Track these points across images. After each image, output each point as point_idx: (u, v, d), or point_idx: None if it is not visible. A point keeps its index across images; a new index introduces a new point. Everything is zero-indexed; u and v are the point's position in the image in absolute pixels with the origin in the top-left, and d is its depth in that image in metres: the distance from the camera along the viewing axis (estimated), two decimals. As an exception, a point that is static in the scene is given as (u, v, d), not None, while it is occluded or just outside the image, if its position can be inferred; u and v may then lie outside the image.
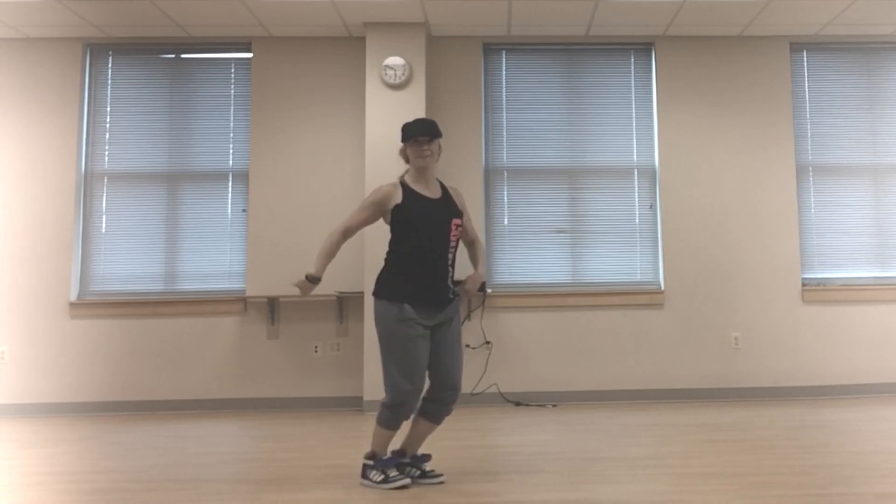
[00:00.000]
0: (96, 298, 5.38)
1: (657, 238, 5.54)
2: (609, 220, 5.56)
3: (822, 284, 5.52)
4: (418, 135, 3.01)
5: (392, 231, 3.11)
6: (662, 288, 5.46)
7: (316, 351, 5.36)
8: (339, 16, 5.19)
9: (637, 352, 5.42)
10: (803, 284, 5.50)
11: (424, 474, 3.08)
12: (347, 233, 3.12)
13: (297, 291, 2.85)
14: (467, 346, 5.32)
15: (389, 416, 2.98)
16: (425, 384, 2.99)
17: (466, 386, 5.30)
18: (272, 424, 4.64)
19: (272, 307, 5.36)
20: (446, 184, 3.20)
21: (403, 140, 3.06)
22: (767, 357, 5.42)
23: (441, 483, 3.03)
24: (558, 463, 3.38)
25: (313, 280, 3.06)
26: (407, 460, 3.09)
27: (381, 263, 5.06)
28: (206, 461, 3.56)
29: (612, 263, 5.53)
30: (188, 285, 5.45)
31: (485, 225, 5.48)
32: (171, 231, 5.49)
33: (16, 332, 5.29)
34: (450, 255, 3.05)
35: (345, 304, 5.39)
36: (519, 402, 5.31)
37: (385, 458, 3.04)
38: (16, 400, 5.24)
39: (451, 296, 3.05)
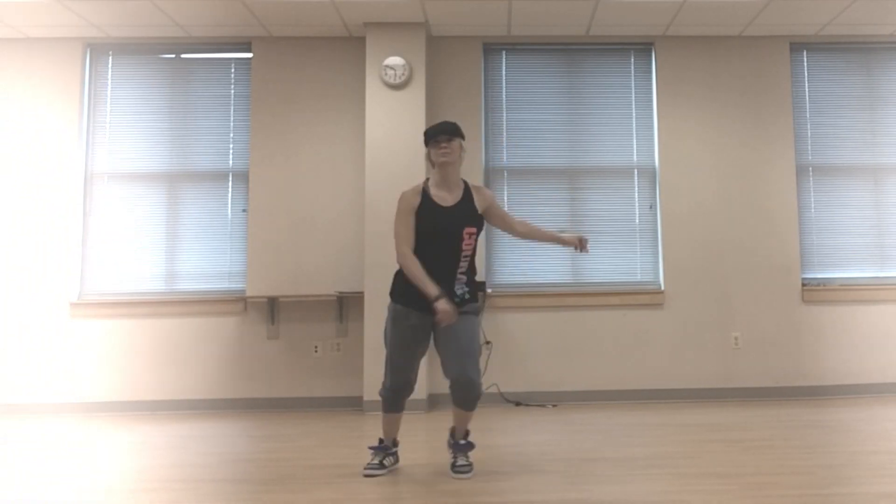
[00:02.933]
0: (96, 298, 5.38)
1: (657, 238, 5.54)
2: (609, 220, 5.56)
3: (822, 284, 5.52)
4: (436, 134, 3.10)
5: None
6: (662, 288, 5.46)
7: (316, 351, 5.36)
8: (339, 16, 5.19)
9: (637, 352, 5.42)
10: (803, 284, 5.50)
11: (453, 466, 3.17)
12: (410, 248, 3.09)
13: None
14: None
15: (383, 400, 3.21)
16: (412, 380, 3.17)
17: (466, 386, 5.30)
18: (272, 424, 4.64)
19: (272, 307, 5.36)
20: (473, 185, 3.24)
21: (426, 144, 3.17)
22: (767, 357, 5.42)
23: (463, 479, 3.11)
24: (558, 463, 3.38)
25: (439, 298, 2.98)
26: (394, 449, 3.30)
27: (380, 263, 5.10)
28: (206, 461, 3.56)
29: (612, 263, 5.53)
30: (188, 285, 5.45)
31: (485, 225, 5.47)
32: (171, 231, 5.49)
33: (16, 332, 5.29)
34: (462, 263, 3.12)
35: (345, 304, 5.39)
36: (519, 402, 5.31)
37: (379, 445, 3.28)
38: (16, 400, 5.24)
39: (458, 300, 3.10)
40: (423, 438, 4.08)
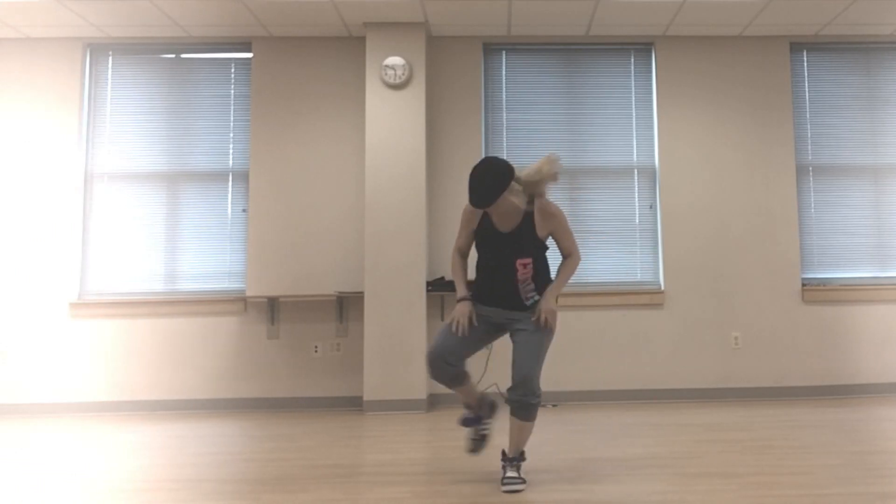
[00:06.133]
0: (96, 298, 5.38)
1: (657, 238, 5.54)
2: (609, 220, 5.56)
3: (822, 284, 5.52)
4: (475, 207, 2.91)
5: None
6: (662, 288, 5.46)
7: (316, 351, 5.36)
8: (339, 16, 5.20)
9: (637, 352, 5.42)
10: (803, 284, 5.50)
11: (502, 480, 2.97)
12: (460, 252, 3.19)
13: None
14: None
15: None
16: (449, 360, 2.95)
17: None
18: (272, 424, 4.64)
19: (272, 307, 5.36)
20: (541, 207, 3.01)
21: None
22: (767, 357, 5.42)
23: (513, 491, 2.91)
24: (558, 463, 3.38)
25: (463, 300, 3.05)
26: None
27: (380, 263, 5.10)
28: (206, 461, 3.56)
29: (612, 263, 5.53)
30: (188, 285, 5.45)
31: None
32: (171, 231, 5.49)
33: (16, 332, 5.29)
34: (520, 286, 3.00)
35: (345, 304, 5.39)
36: (519, 402, 5.30)
37: (465, 416, 3.23)
38: (16, 400, 5.24)
39: (528, 303, 3.02)
40: (423, 438, 4.08)
